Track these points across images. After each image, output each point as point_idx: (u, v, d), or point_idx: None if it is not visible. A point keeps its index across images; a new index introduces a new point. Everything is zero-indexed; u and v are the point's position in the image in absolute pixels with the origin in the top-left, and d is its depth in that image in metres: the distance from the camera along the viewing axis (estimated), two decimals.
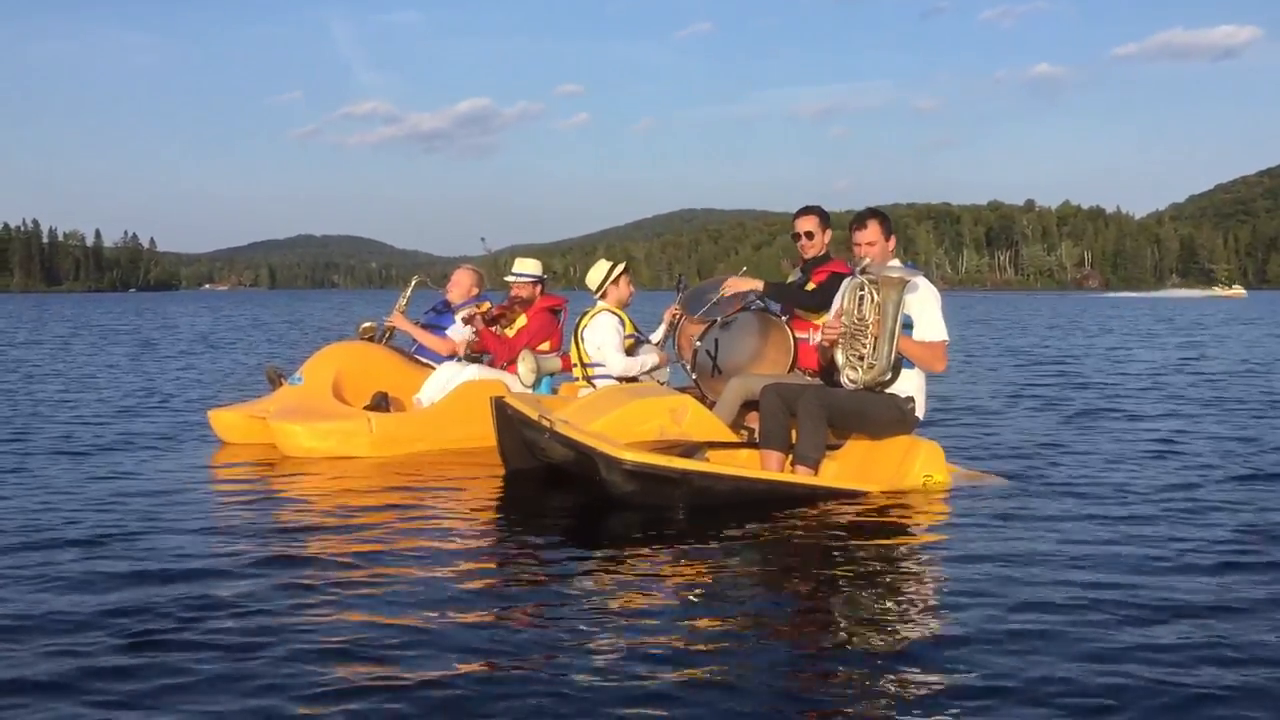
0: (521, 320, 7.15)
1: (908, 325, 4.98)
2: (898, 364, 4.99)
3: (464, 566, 3.96)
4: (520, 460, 5.57)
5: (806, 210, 5.87)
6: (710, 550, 4.24)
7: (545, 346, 7.02)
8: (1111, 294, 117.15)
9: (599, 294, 6.71)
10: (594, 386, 6.41)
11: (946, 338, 5.09)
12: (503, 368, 7.01)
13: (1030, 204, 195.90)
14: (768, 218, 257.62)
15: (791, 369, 5.67)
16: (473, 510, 5.07)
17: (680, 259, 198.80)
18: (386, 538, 4.38)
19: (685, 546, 4.29)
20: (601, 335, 6.47)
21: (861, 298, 4.97)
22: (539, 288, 7.25)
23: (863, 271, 5.02)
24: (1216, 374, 13.14)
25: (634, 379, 6.44)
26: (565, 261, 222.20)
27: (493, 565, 4.06)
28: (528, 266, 7.24)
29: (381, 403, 6.69)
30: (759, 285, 5.72)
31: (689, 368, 5.84)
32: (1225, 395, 10.40)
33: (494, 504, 5.28)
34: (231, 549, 4.15)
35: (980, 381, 12.21)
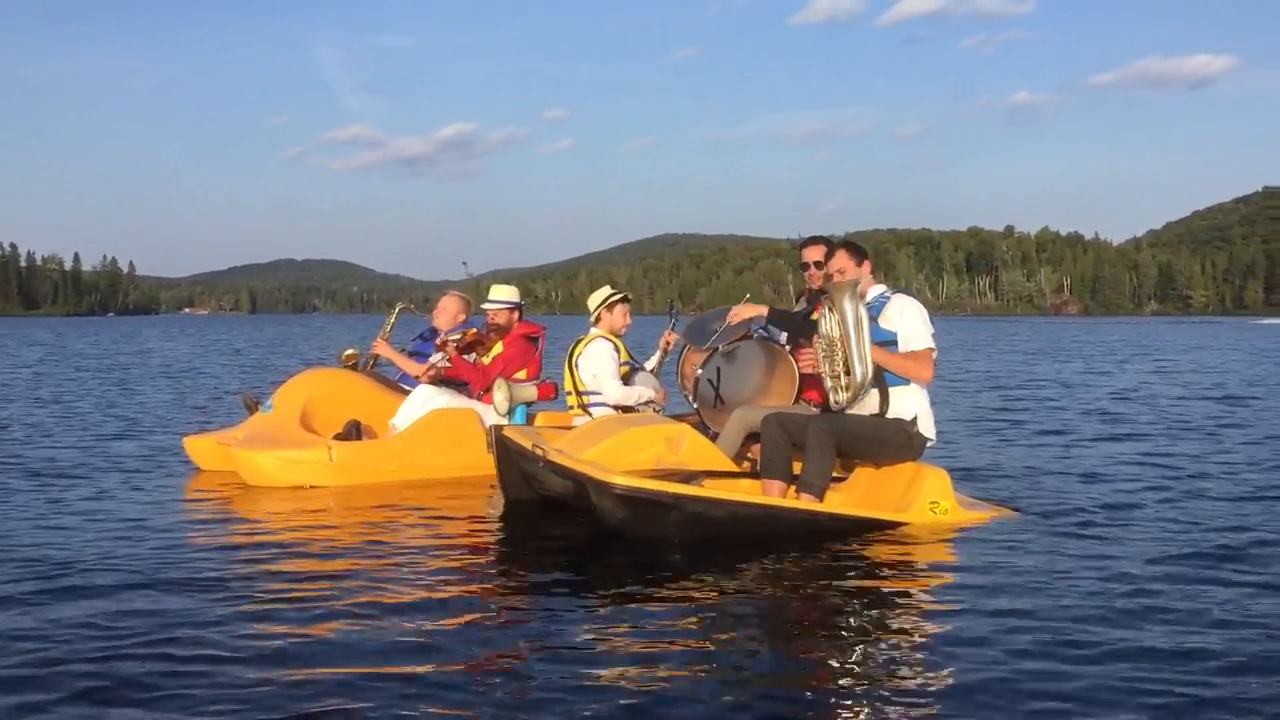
0: (498, 348, 6.97)
1: (891, 341, 4.93)
2: (880, 374, 4.89)
3: (441, 597, 3.79)
4: (520, 492, 5.40)
5: (814, 240, 5.79)
6: (705, 582, 4.08)
7: (522, 374, 6.83)
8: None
9: (593, 320, 6.58)
10: (589, 415, 6.25)
11: (932, 345, 4.99)
12: (478, 396, 6.84)
13: (1009, 230, 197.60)
14: (749, 242, 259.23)
15: (796, 400, 5.52)
16: (447, 540, 4.88)
17: (662, 283, 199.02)
18: (351, 568, 4.25)
19: (674, 578, 4.14)
20: (597, 363, 6.32)
21: (823, 317, 4.95)
22: (516, 314, 7.07)
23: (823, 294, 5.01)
24: (1224, 397, 13.12)
25: (630, 408, 6.27)
26: (547, 286, 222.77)
27: (470, 599, 3.87)
28: (503, 293, 7.06)
29: (353, 431, 6.50)
30: (764, 311, 5.62)
31: (691, 397, 5.70)
32: (1234, 419, 10.34)
33: (474, 534, 5.10)
34: (191, 577, 4.06)
35: (986, 407, 12.12)
